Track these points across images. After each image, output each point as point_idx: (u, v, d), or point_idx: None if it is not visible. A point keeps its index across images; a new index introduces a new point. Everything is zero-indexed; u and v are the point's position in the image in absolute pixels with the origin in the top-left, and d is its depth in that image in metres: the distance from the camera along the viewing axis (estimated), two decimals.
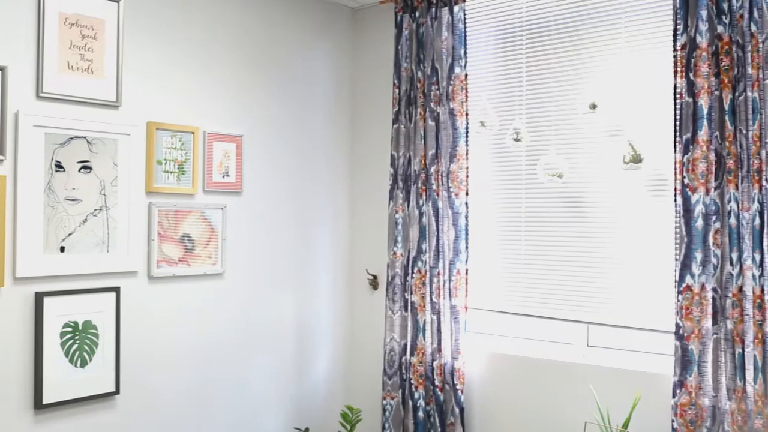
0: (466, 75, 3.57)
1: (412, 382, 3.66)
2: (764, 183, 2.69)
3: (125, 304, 3.09)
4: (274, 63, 3.74)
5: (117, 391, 3.04)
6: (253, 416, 3.63)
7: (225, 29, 3.50)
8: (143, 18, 3.16)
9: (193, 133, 3.32)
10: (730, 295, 2.78)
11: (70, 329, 2.88)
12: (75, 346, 2.90)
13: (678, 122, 2.89)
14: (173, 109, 3.28)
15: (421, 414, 3.63)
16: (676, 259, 2.88)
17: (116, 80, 3.03)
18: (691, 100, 2.85)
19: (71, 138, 2.88)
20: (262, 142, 3.68)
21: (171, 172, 3.23)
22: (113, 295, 3.02)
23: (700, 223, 2.83)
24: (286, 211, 3.80)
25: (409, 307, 3.69)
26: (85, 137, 2.92)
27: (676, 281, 2.88)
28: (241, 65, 3.57)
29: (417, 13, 3.70)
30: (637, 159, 3.00)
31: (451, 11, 3.57)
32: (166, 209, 3.22)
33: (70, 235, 2.89)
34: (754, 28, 2.71)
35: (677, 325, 2.87)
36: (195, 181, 3.33)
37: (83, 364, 2.93)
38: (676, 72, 2.90)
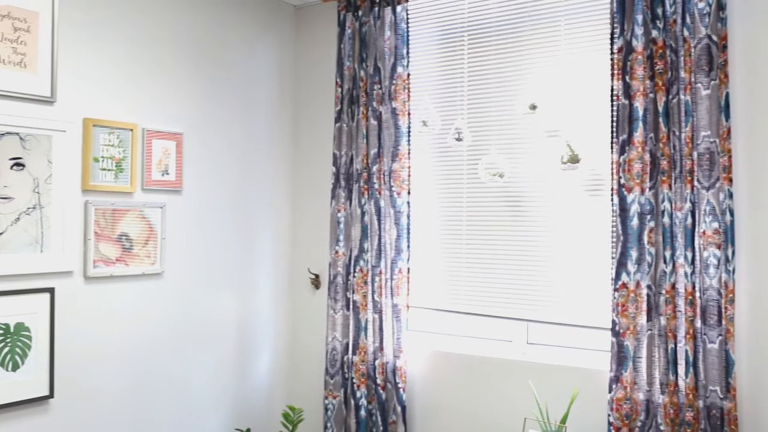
0: (408, 74, 3.58)
1: (354, 381, 3.66)
2: (696, 183, 2.78)
3: (60, 306, 3.01)
4: (215, 60, 3.69)
5: (51, 395, 2.95)
6: (193, 417, 3.57)
7: (165, 26, 3.43)
8: (79, 12, 3.07)
9: (131, 130, 3.25)
10: (663, 292, 2.86)
11: (1, 332, 2.79)
12: (6, 349, 2.80)
13: (615, 123, 2.96)
14: (111, 105, 3.20)
15: (363, 413, 3.63)
16: (613, 257, 2.95)
17: (51, 75, 2.94)
18: (627, 102, 2.92)
19: (2, 134, 2.78)
20: (203, 140, 3.62)
21: (108, 170, 3.16)
22: (47, 296, 2.93)
23: (635, 222, 2.90)
24: (226, 209, 3.75)
25: (351, 306, 3.69)
26: (17, 133, 2.83)
27: (612, 279, 2.95)
28: (181, 63, 3.51)
29: (360, 12, 3.69)
30: (574, 159, 3.06)
31: (393, 11, 3.58)
32: (103, 208, 3.14)
33: (1, 234, 2.79)
34: (686, 33, 2.80)
35: (613, 322, 2.94)
36: (133, 180, 3.26)
37: (15, 367, 2.83)
38: (612, 74, 2.97)
